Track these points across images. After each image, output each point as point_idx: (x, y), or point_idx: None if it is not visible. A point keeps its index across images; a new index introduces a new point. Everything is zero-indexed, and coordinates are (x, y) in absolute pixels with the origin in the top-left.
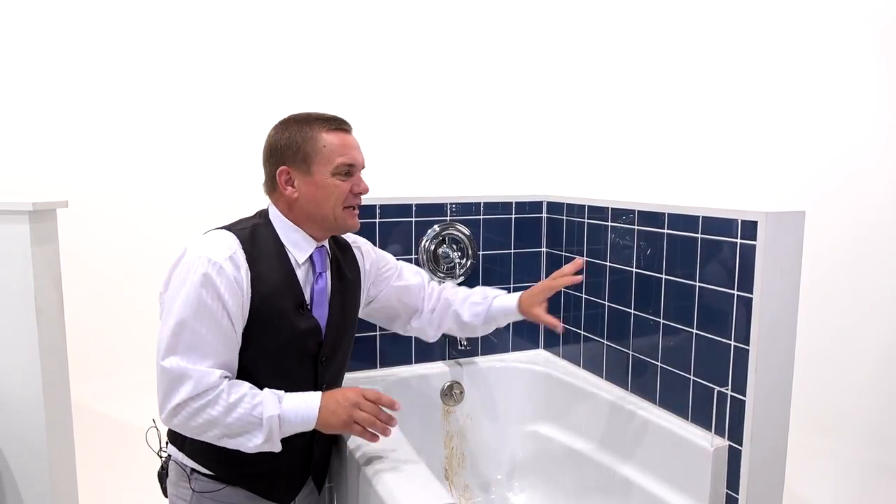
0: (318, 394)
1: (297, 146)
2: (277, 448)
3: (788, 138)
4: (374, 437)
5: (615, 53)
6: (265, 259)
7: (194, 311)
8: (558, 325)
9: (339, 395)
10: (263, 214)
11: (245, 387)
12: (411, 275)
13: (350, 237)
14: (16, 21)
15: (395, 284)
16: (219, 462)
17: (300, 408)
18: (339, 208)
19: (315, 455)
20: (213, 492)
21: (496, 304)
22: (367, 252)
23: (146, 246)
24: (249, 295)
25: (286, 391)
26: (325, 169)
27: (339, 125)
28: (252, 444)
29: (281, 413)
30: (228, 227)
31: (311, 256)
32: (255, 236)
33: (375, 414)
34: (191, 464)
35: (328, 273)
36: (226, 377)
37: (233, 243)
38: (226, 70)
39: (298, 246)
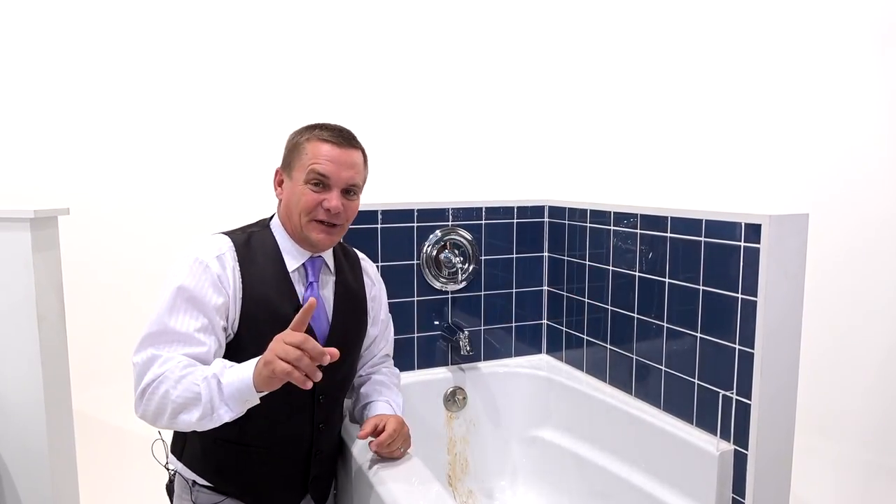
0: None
1: (289, 149)
2: (223, 418)
3: (791, 140)
4: (303, 380)
5: (616, 57)
6: (259, 262)
7: (171, 307)
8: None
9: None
10: (264, 223)
11: (201, 366)
12: (384, 338)
13: (367, 264)
14: (18, 28)
15: (370, 331)
16: (216, 472)
17: (241, 367)
18: (304, 218)
19: (313, 471)
20: None
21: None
22: (376, 280)
23: (148, 253)
24: (239, 296)
25: (283, 401)
26: (300, 175)
27: (331, 136)
28: (195, 414)
29: (219, 372)
30: (225, 232)
31: (304, 265)
32: (251, 241)
33: (294, 350)
34: (192, 476)
35: (322, 285)
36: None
37: (223, 245)
38: (228, 78)
39: (291, 253)
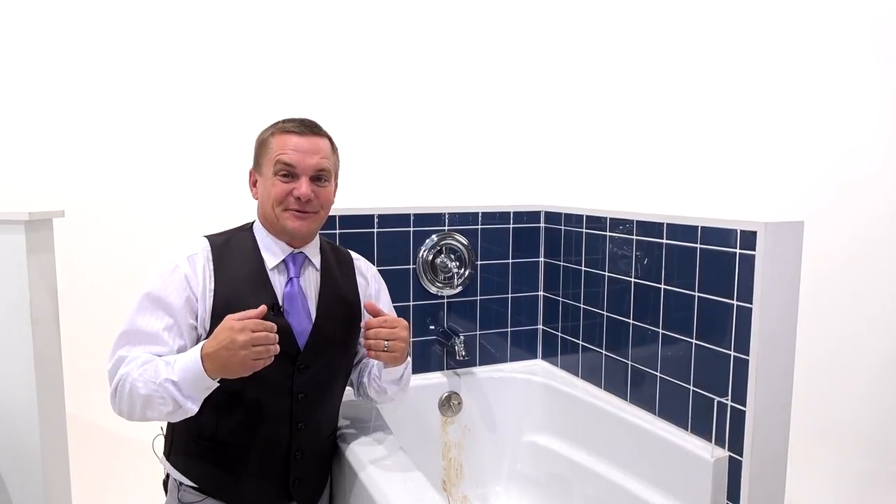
0: (201, 344)
1: (257, 147)
2: (193, 410)
3: (787, 147)
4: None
5: (613, 62)
6: (236, 260)
7: (138, 309)
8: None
9: (217, 334)
10: (246, 226)
11: (155, 360)
12: None
13: (363, 264)
14: (12, 29)
15: None
16: (198, 471)
17: (187, 363)
18: (279, 208)
19: (294, 473)
20: (194, 503)
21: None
22: (373, 279)
23: (143, 256)
24: (210, 295)
25: (261, 398)
26: (269, 169)
27: (294, 127)
28: (163, 411)
29: (170, 375)
30: (207, 235)
31: (284, 261)
32: (231, 241)
33: (263, 334)
34: (179, 476)
35: (305, 281)
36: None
37: (196, 246)
38: (222, 79)
39: (270, 250)
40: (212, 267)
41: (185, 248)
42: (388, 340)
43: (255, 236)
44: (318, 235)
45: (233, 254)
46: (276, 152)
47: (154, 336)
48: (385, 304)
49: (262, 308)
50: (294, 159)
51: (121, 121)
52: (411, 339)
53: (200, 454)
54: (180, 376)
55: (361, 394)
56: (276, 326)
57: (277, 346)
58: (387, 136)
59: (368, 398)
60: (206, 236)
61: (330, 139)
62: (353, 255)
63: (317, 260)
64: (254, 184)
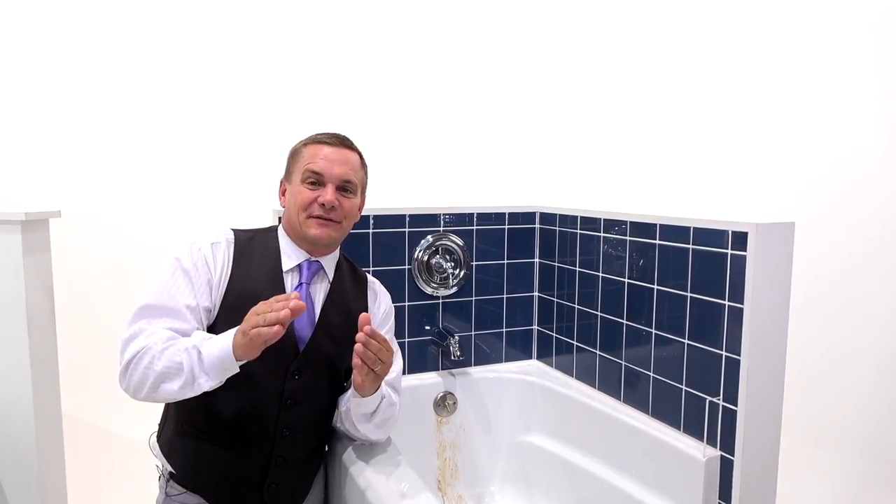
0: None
1: (289, 158)
2: (202, 387)
3: (779, 149)
4: (276, 331)
5: (607, 64)
6: (256, 257)
7: (166, 280)
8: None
9: None
10: (272, 228)
11: (182, 339)
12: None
13: (378, 287)
14: (10, 29)
15: None
16: (181, 460)
17: (220, 338)
18: (303, 215)
19: (272, 477)
20: (176, 495)
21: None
22: (382, 300)
23: (139, 256)
24: (224, 284)
25: (251, 397)
26: (297, 177)
27: (327, 138)
28: (177, 384)
29: (199, 343)
30: (234, 228)
31: (298, 265)
32: (254, 239)
33: (263, 311)
34: (164, 463)
35: (315, 289)
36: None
37: (222, 235)
38: (220, 81)
39: (288, 254)
40: (231, 258)
41: (210, 235)
42: (381, 361)
43: (277, 238)
44: (338, 250)
45: (254, 251)
46: (306, 161)
47: (176, 311)
48: (390, 328)
49: (293, 295)
50: (322, 167)
51: (117, 122)
52: (407, 340)
53: (184, 441)
54: (207, 349)
55: (343, 424)
56: (286, 310)
57: (281, 316)
58: (383, 137)
59: (345, 428)
60: (232, 229)
61: (360, 155)
62: (371, 278)
63: (331, 272)
64: (283, 193)
